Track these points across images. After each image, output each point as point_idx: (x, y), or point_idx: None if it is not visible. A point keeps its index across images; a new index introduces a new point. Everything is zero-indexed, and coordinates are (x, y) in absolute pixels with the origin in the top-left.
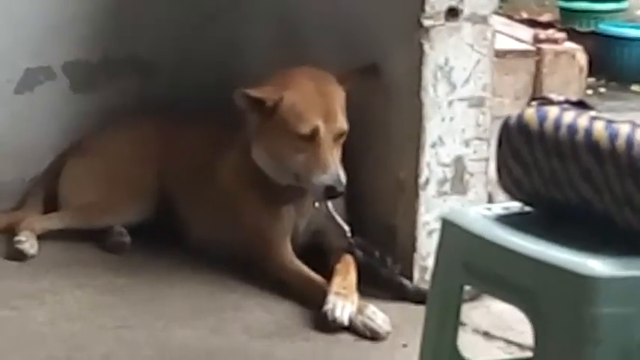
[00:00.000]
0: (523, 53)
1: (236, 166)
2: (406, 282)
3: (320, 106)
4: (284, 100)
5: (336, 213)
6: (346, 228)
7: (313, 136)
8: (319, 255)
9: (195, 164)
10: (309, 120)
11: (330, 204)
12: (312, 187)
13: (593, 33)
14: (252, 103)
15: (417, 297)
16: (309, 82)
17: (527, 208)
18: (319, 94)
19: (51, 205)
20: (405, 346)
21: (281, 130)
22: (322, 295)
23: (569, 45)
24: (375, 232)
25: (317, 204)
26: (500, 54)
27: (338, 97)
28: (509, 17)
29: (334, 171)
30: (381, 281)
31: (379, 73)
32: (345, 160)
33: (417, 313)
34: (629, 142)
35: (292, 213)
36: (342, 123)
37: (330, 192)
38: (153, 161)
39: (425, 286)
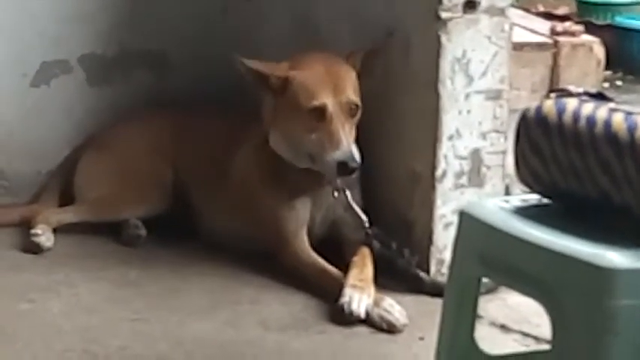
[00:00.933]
0: (540, 46)
1: (251, 157)
2: (423, 274)
3: (328, 82)
4: (294, 79)
5: (355, 203)
6: (364, 218)
7: (323, 113)
8: (336, 247)
9: (209, 157)
10: (317, 96)
11: (349, 193)
12: (325, 165)
13: (610, 26)
14: (258, 78)
15: (434, 290)
16: (317, 62)
17: (546, 201)
18: (327, 72)
19: (66, 199)
20: (421, 338)
21: (293, 109)
22: (338, 288)
23: (587, 38)
24: (391, 224)
25: (336, 194)
26: (518, 47)
27: (346, 74)
28: (526, 10)
29: (346, 147)
30: (398, 273)
31: (388, 48)
32: (362, 152)
33: (433, 305)
34: None
35: (308, 204)
36: (351, 95)
37: (342, 168)
38: (168, 154)
39: (441, 279)
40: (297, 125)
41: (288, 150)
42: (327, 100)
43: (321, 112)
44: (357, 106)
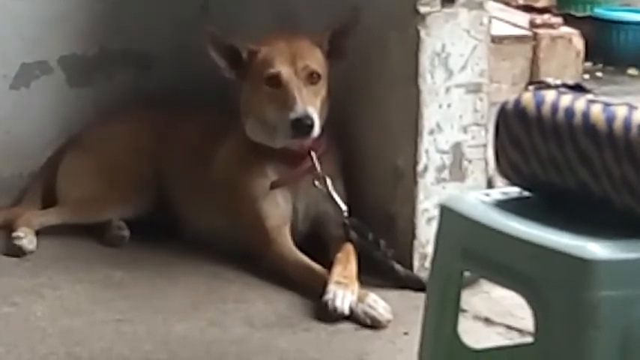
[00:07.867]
0: (520, 38)
1: (231, 155)
2: (397, 266)
3: (285, 53)
4: (259, 55)
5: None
6: (344, 207)
7: (279, 80)
8: (319, 244)
9: (191, 156)
10: (273, 65)
11: (329, 181)
12: (282, 127)
13: (589, 17)
14: (229, 55)
15: (408, 282)
16: (279, 38)
17: (526, 193)
18: (287, 45)
19: (49, 200)
20: (406, 334)
21: (256, 84)
22: (322, 285)
23: (566, 30)
24: (374, 220)
25: (317, 182)
26: (497, 40)
27: (307, 46)
28: (506, 3)
29: (300, 107)
30: (374, 264)
31: (356, 22)
32: (344, 149)
33: (417, 300)
34: (627, 124)
35: (290, 198)
36: (309, 62)
37: (297, 126)
38: (150, 154)
39: (425, 274)
40: (260, 98)
41: (261, 131)
42: (282, 68)
43: (277, 80)
44: (317, 74)
